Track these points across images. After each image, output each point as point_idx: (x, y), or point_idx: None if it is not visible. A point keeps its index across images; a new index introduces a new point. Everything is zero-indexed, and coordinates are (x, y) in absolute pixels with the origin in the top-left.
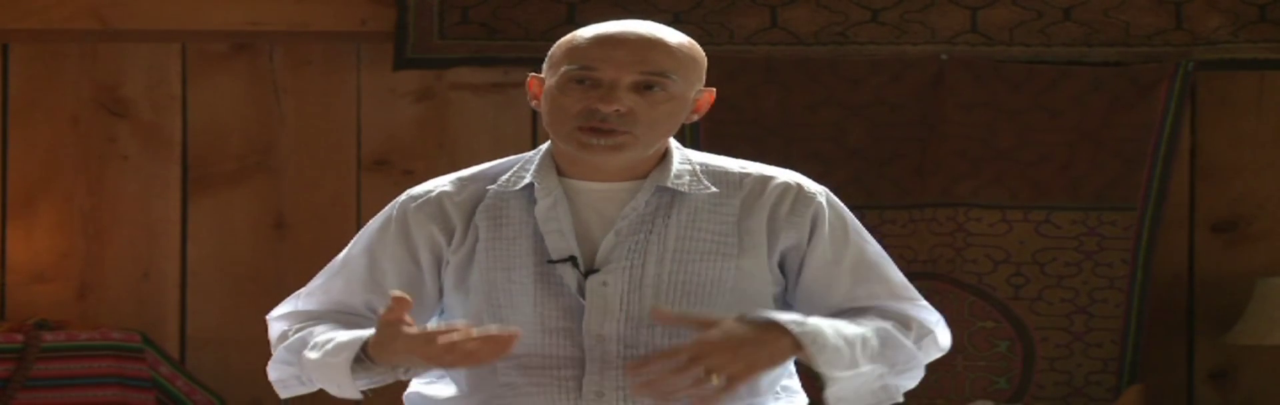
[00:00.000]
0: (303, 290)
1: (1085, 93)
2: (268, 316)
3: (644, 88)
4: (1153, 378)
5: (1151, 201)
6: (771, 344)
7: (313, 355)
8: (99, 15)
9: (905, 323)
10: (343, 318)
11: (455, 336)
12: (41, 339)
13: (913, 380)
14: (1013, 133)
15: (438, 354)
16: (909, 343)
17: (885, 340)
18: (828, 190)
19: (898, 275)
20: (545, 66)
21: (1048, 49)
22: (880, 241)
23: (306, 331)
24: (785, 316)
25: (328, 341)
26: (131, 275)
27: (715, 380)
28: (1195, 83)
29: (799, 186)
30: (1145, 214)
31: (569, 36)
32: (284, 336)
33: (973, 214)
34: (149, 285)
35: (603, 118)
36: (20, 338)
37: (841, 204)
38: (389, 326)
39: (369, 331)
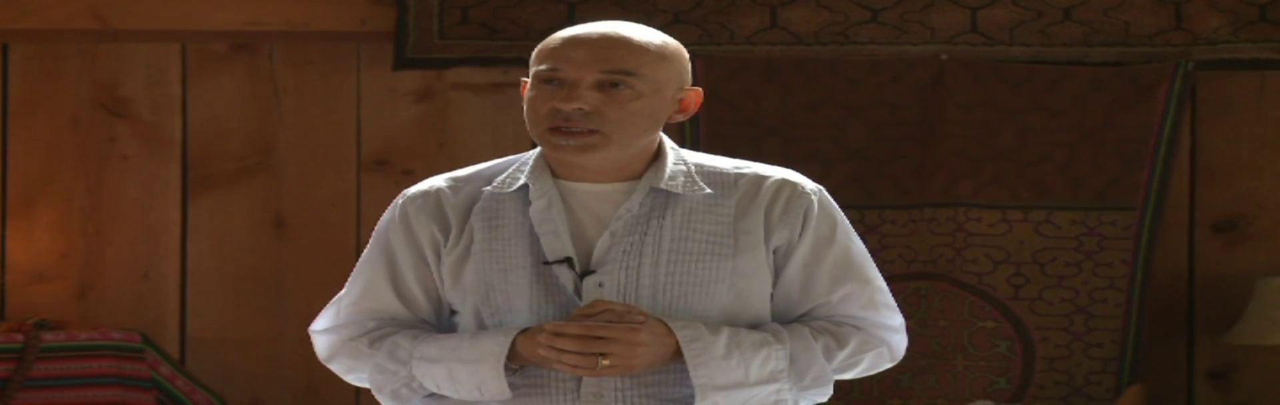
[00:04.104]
0: (341, 302)
1: (1085, 93)
2: (311, 330)
3: (609, 85)
4: (1153, 378)
5: (1151, 201)
6: (664, 348)
7: (442, 357)
8: (99, 15)
9: (844, 339)
10: (396, 324)
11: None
12: (41, 339)
13: (821, 396)
14: (1013, 133)
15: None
16: (824, 361)
17: (797, 358)
18: (822, 188)
19: (877, 278)
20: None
21: (1048, 49)
22: (880, 241)
23: (391, 342)
24: (686, 331)
25: (455, 346)
26: (131, 275)
27: (603, 362)
28: (1195, 83)
29: (794, 185)
30: (1145, 214)
31: (546, 39)
32: (356, 350)
33: (973, 214)
34: (149, 285)
35: (566, 117)
36: (20, 338)
37: (833, 202)
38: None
39: (493, 331)
